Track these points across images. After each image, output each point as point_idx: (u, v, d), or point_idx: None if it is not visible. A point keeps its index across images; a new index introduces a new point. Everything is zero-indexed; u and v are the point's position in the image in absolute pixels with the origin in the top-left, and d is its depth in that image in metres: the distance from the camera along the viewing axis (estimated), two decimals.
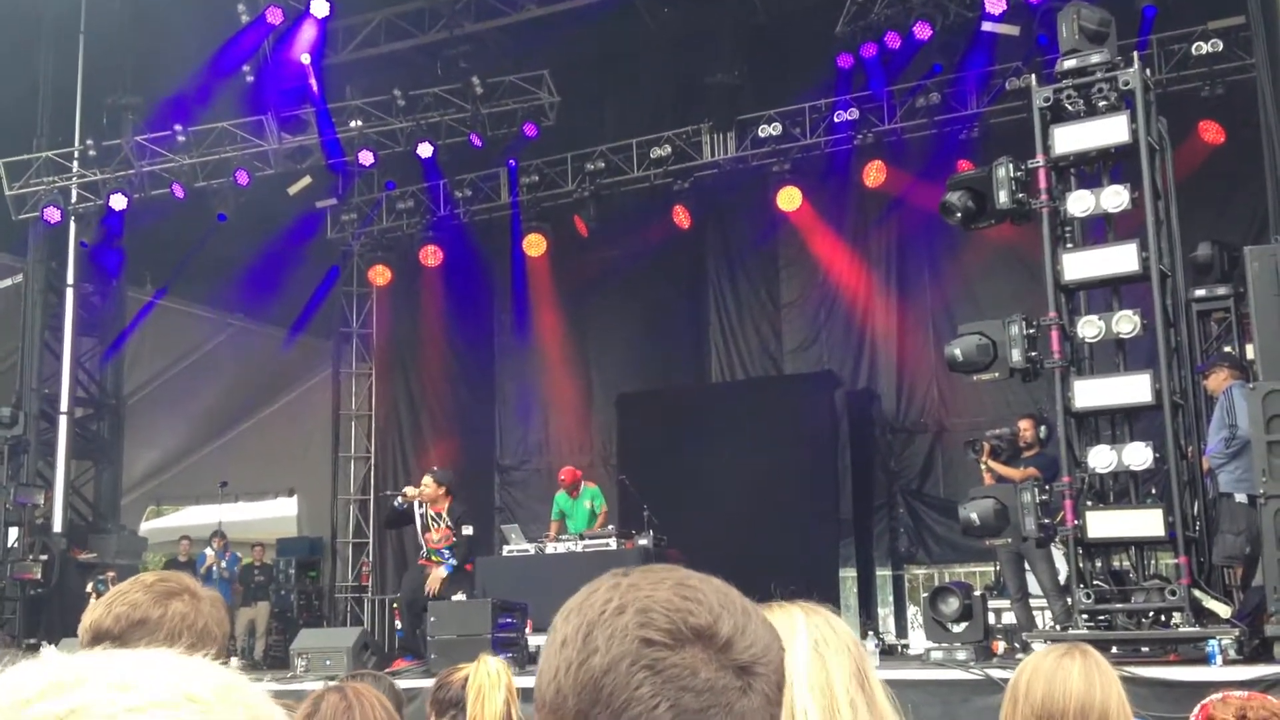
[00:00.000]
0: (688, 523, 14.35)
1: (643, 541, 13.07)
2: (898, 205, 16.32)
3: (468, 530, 11.89)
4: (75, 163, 16.29)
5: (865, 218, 17.04)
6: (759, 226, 17.55)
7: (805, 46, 15.47)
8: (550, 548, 13.44)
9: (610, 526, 13.64)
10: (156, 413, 18.91)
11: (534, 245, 17.36)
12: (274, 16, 14.05)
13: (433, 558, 11.76)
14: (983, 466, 10.77)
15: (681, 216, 16.60)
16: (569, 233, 16.96)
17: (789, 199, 16.11)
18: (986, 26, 13.44)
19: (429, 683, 9.21)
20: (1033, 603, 10.83)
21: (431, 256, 17.89)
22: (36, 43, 16.21)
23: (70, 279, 16.89)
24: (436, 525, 11.73)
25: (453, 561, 11.72)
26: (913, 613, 16.28)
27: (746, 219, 17.70)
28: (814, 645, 1.87)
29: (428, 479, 12.02)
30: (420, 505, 11.87)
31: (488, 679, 4.03)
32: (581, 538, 13.40)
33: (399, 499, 12.04)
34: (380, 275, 18.42)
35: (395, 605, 13.66)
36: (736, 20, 15.94)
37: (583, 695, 1.08)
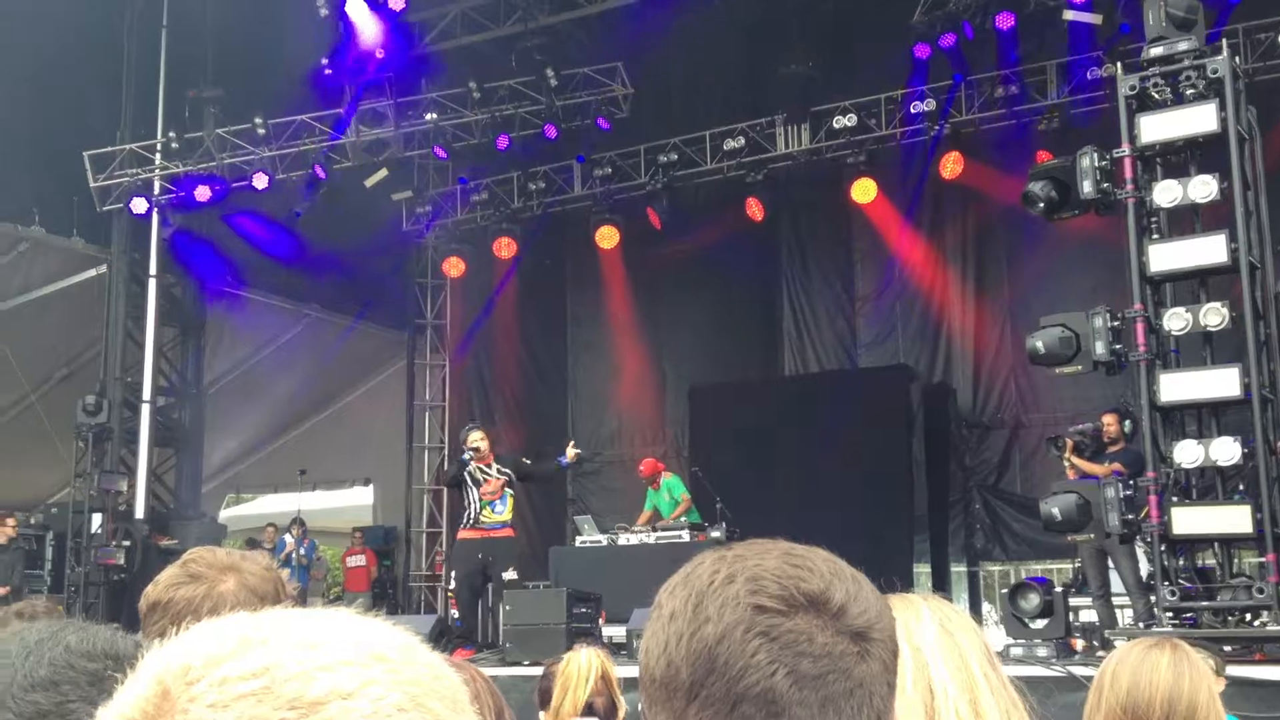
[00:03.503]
0: (760, 515, 14.24)
1: (715, 533, 13.05)
2: (975, 197, 16.15)
3: (526, 460, 11.78)
4: (158, 155, 16.56)
5: (942, 210, 16.89)
6: (833, 219, 17.45)
7: (880, 36, 15.33)
8: (623, 539, 13.46)
9: (683, 519, 13.62)
10: (236, 402, 19.18)
11: (607, 237, 17.38)
12: (354, 10, 14.15)
13: (484, 512, 11.42)
14: (1066, 463, 10.60)
15: (755, 209, 16.53)
16: (642, 225, 16.95)
17: (864, 191, 15.98)
18: (1068, 15, 13.21)
19: (505, 671, 9.28)
20: (1114, 600, 10.67)
21: (505, 248, 17.97)
22: (120, 36, 16.51)
23: (153, 270, 17.17)
24: (487, 478, 11.51)
25: (508, 518, 11.48)
26: (987, 609, 16.11)
27: (820, 211, 17.60)
28: (941, 625, 1.86)
29: (478, 433, 11.60)
30: (471, 465, 11.46)
31: (577, 673, 4.04)
32: (653, 529, 13.43)
33: (468, 453, 11.73)
34: (454, 267, 18.53)
35: (450, 593, 13.45)
36: (811, 10, 15.84)
37: (697, 666, 1.07)
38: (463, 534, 11.74)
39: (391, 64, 15.35)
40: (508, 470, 11.53)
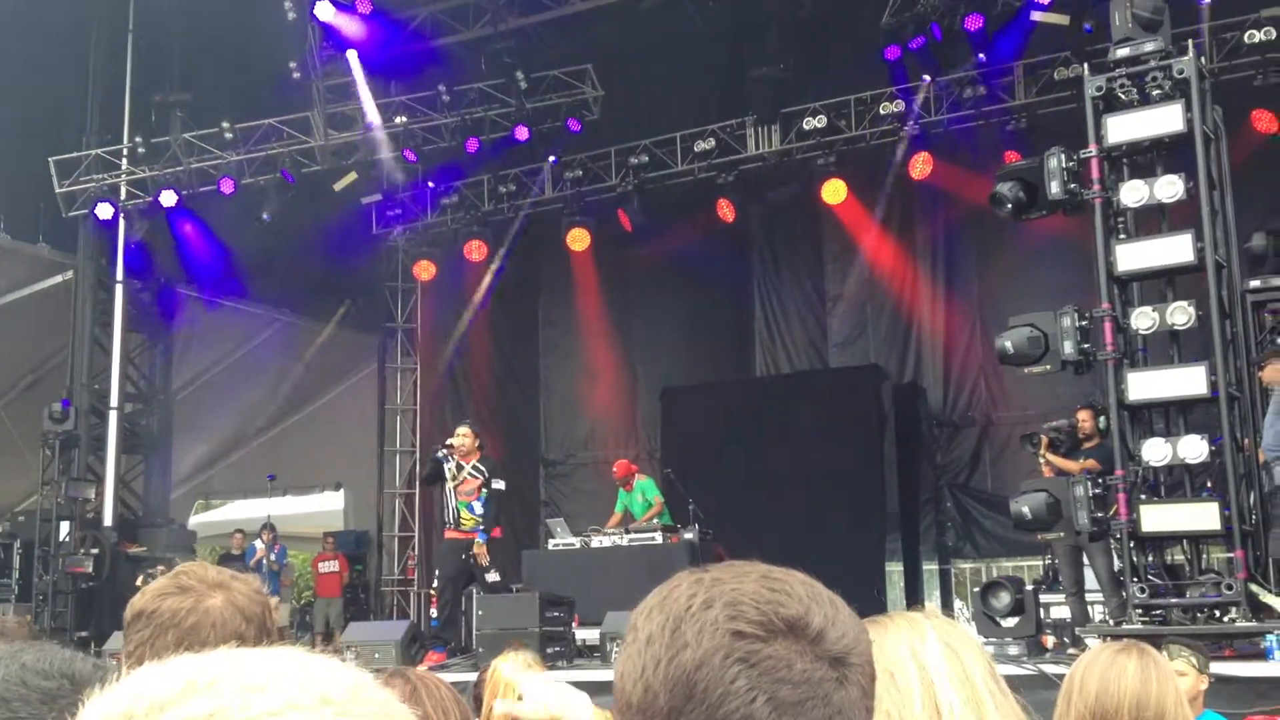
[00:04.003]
0: (733, 517, 14.32)
1: (688, 535, 13.05)
2: (944, 197, 16.21)
3: (499, 485, 11.53)
4: (124, 160, 16.44)
5: (911, 210, 16.95)
6: (804, 220, 17.49)
7: (850, 39, 15.39)
8: (596, 541, 13.43)
9: (655, 521, 13.61)
10: (204, 407, 19.04)
11: (578, 240, 17.36)
12: (322, 12, 14.09)
13: (462, 513, 11.33)
14: (1041, 460, 10.59)
15: (726, 210, 16.54)
16: (613, 227, 16.95)
17: (834, 192, 16.03)
18: (1035, 16, 13.29)
19: (476, 676, 9.24)
20: (1088, 597, 10.70)
21: (476, 251, 17.93)
22: (86, 41, 16.37)
23: (119, 275, 17.04)
24: (464, 477, 11.41)
25: (483, 528, 11.35)
26: (960, 607, 16.18)
27: (791, 212, 17.64)
28: (945, 643, 1.86)
29: (465, 429, 11.59)
30: (450, 459, 11.42)
31: (502, 682, 4.02)
32: (627, 531, 13.40)
33: (442, 450, 11.73)
34: (425, 270, 18.48)
35: (433, 591, 13.34)
36: (781, 13, 15.86)
37: (675, 692, 1.06)
38: (448, 534, 11.64)
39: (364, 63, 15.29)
40: (484, 472, 11.45)
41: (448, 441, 11.52)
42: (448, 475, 11.36)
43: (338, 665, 0.84)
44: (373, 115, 15.51)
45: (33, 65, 15.26)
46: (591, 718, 1.80)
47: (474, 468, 11.34)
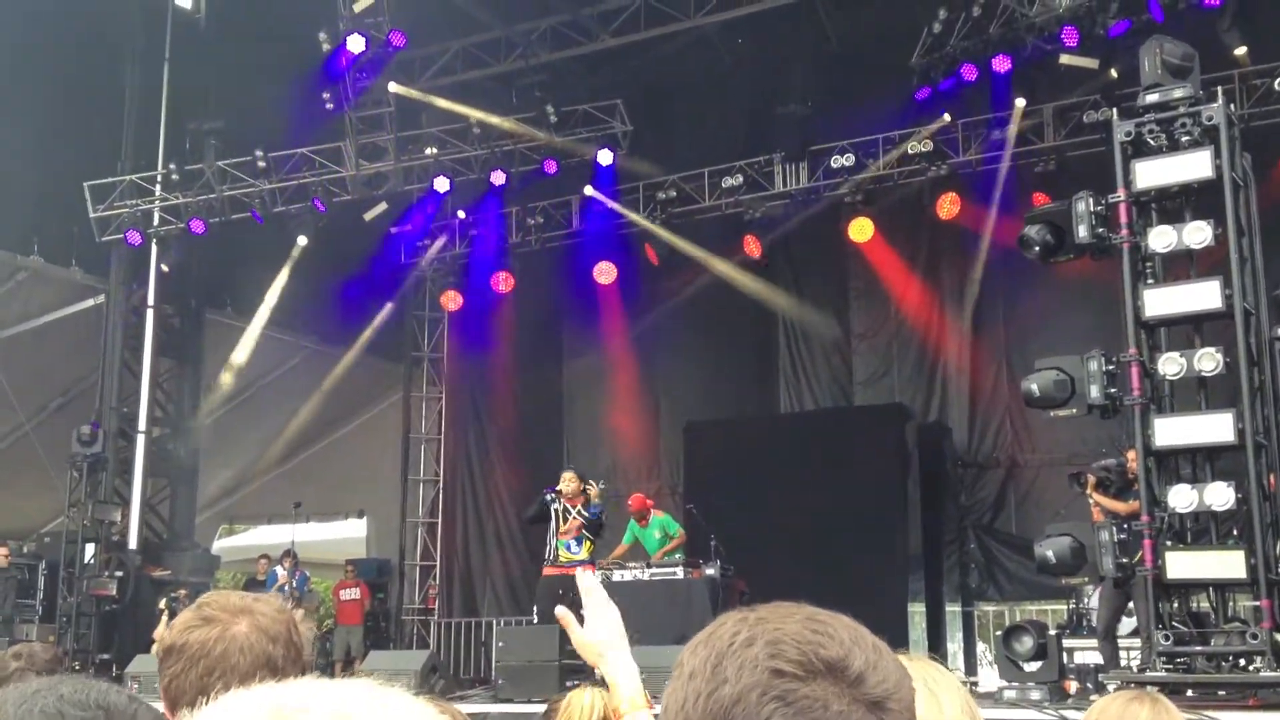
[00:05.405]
0: (754, 553, 14.25)
1: (710, 571, 13.00)
2: (972, 238, 16.19)
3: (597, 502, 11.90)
4: (158, 186, 16.62)
5: (938, 250, 16.93)
6: (830, 257, 17.48)
7: (879, 77, 15.41)
8: (617, 575, 13.41)
9: (678, 555, 13.58)
10: (231, 433, 19.15)
11: (604, 273, 17.43)
12: (355, 45, 14.23)
13: (561, 551, 11.69)
14: (1089, 499, 10.49)
15: (752, 246, 16.59)
16: (640, 261, 17.00)
17: (860, 230, 16.05)
18: (1064, 59, 13.31)
19: (497, 709, 9.25)
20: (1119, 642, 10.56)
21: (503, 283, 18.02)
22: (122, 68, 16.60)
23: (151, 300, 17.19)
24: (570, 518, 11.77)
25: (582, 559, 11.66)
26: (982, 649, 16.06)
27: (817, 249, 17.63)
28: (924, 683, 1.89)
29: (570, 473, 12.01)
30: (559, 501, 11.82)
31: (579, 714, 4.01)
32: (648, 566, 13.38)
33: (550, 493, 12.00)
34: (452, 300, 18.57)
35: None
36: (810, 50, 15.93)
37: None
38: (547, 570, 12.00)
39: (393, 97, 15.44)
40: (586, 514, 11.81)
41: (556, 487, 11.84)
42: (554, 518, 11.78)
43: (412, 698, 0.88)
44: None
45: (70, 91, 15.49)
46: (634, 689, 1.80)
47: (578, 511, 11.63)
